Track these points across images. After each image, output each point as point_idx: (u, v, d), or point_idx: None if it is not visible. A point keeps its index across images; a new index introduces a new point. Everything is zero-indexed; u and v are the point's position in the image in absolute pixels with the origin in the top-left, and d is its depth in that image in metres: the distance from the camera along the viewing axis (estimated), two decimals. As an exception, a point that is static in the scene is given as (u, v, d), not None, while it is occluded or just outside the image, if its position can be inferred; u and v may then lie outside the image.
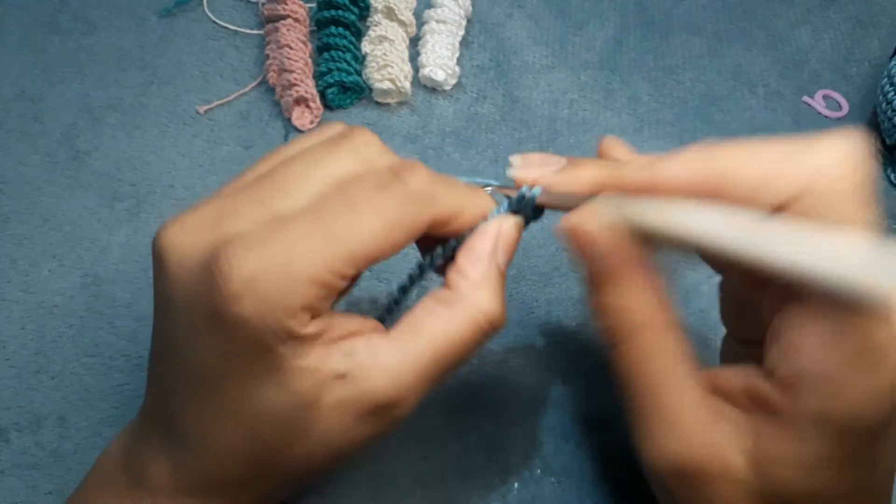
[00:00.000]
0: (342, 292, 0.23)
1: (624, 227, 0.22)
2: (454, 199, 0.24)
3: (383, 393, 0.22)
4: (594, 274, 0.23)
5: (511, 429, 0.33)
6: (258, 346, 0.20)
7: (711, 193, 0.21)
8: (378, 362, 0.22)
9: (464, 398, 0.34)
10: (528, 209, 0.25)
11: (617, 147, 0.26)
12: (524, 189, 0.25)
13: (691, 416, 0.22)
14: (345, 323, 0.23)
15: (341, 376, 0.22)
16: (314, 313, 0.21)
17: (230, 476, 0.23)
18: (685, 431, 0.22)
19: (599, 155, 0.27)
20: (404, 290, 0.26)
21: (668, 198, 0.21)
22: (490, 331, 0.23)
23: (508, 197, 0.25)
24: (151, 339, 0.24)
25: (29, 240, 0.40)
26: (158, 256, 0.21)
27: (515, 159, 0.26)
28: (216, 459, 0.23)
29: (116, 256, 0.39)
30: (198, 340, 0.21)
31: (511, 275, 0.38)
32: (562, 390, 0.35)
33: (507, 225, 0.25)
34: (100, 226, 0.40)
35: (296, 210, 0.21)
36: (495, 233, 0.24)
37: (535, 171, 0.25)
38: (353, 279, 0.24)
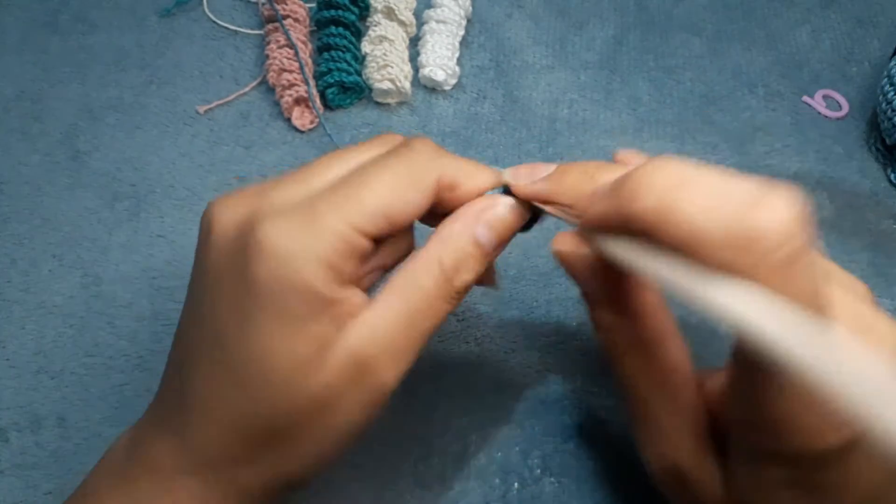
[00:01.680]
0: (368, 256, 0.23)
1: (606, 252, 0.21)
2: (458, 166, 0.25)
3: (373, 357, 0.22)
4: (585, 294, 0.25)
5: (511, 429, 0.33)
6: (276, 302, 0.21)
7: (656, 223, 0.18)
8: (375, 336, 0.22)
9: (464, 398, 0.34)
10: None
11: (633, 157, 0.27)
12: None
13: (682, 429, 0.24)
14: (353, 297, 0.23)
15: (347, 351, 0.22)
16: (339, 274, 0.21)
17: (230, 452, 0.23)
18: (676, 443, 0.24)
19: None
20: None
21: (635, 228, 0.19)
22: (450, 287, 0.23)
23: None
24: (181, 315, 0.25)
25: (29, 240, 0.40)
26: (204, 227, 0.23)
27: (506, 173, 0.26)
28: (219, 431, 0.23)
29: (116, 256, 0.39)
30: (223, 300, 0.22)
31: (511, 275, 0.38)
32: (562, 390, 0.35)
33: (494, 203, 0.25)
34: (100, 226, 0.40)
35: (324, 185, 0.23)
36: (479, 205, 0.25)
37: (522, 179, 0.25)
38: (378, 241, 0.24)
